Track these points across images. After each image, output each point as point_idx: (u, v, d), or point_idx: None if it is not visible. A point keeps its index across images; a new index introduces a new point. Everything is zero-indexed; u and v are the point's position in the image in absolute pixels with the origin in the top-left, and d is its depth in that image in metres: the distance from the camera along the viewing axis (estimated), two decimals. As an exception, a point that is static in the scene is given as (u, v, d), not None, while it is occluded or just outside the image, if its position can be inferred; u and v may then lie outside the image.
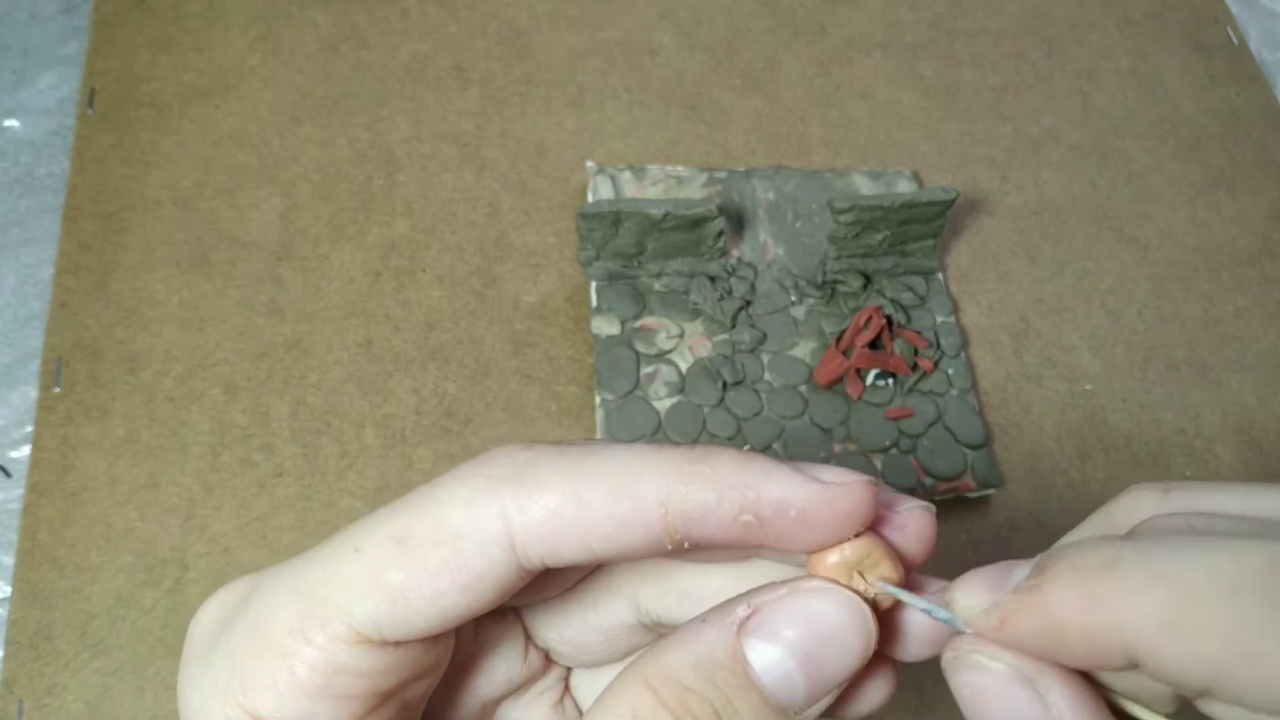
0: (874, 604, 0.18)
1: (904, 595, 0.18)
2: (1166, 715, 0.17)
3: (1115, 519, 0.19)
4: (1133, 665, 0.16)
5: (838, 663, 0.18)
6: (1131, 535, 0.17)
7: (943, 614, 0.18)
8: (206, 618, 0.19)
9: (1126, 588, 0.15)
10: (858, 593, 0.18)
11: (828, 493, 0.17)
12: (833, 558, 0.18)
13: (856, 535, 0.18)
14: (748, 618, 0.18)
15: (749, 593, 0.18)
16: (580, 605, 0.22)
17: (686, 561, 0.21)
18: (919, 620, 0.19)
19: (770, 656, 0.17)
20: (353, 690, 0.18)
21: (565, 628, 0.22)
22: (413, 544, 0.17)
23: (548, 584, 0.21)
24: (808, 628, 0.18)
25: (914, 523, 0.19)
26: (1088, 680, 0.17)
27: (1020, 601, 0.17)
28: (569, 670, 0.24)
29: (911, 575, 0.19)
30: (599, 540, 0.17)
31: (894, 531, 0.19)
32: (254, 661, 0.17)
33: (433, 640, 0.19)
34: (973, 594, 0.18)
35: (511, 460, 0.18)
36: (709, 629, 0.18)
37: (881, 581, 0.18)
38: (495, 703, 0.23)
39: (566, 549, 0.17)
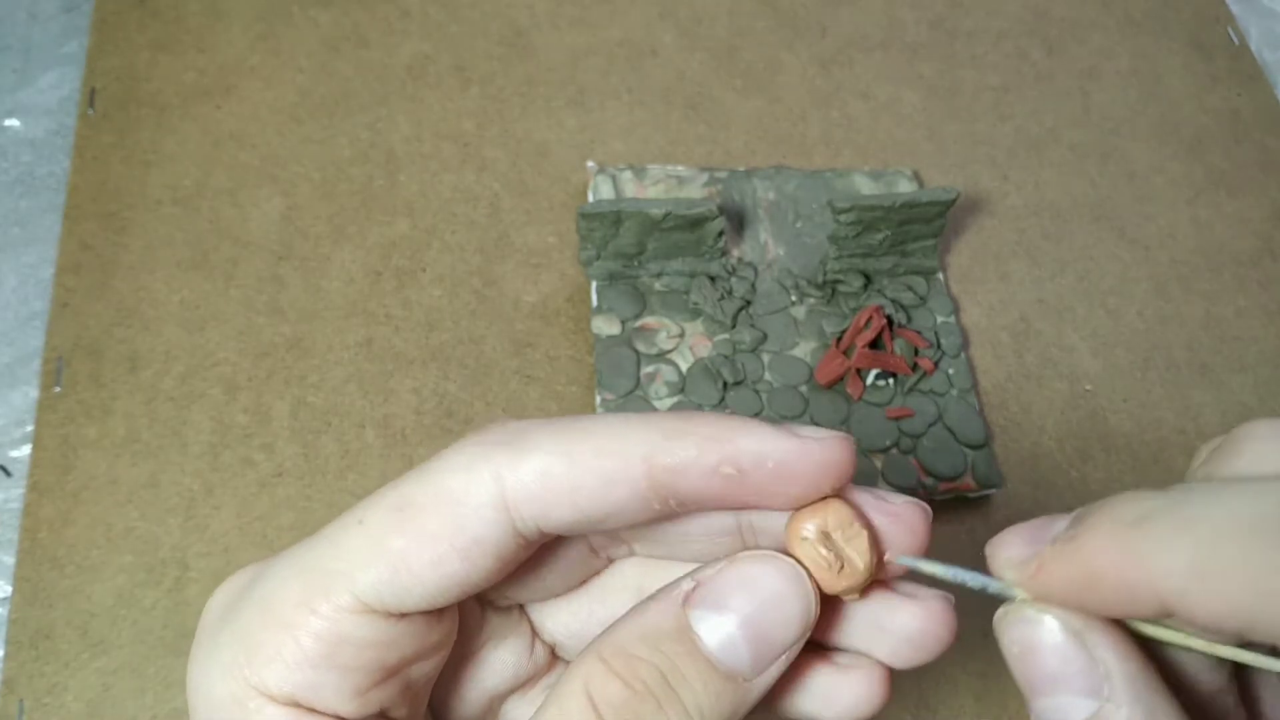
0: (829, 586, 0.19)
1: (929, 566, 0.19)
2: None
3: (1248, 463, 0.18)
4: (1166, 614, 0.16)
5: (780, 626, 0.18)
6: (1172, 487, 0.17)
7: (974, 580, 0.18)
8: (216, 602, 0.20)
9: (1157, 536, 0.16)
10: (799, 561, 0.19)
11: (804, 445, 0.18)
12: (809, 523, 0.19)
13: (835, 496, 0.19)
14: (691, 590, 0.18)
15: (694, 569, 0.19)
16: (587, 599, 0.23)
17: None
18: (909, 623, 0.20)
19: (714, 624, 0.18)
20: (356, 662, 0.18)
21: (571, 620, 0.23)
22: (412, 510, 0.18)
23: (554, 576, 0.22)
24: (747, 593, 0.18)
25: (907, 514, 0.19)
26: (1130, 634, 0.17)
27: (1057, 552, 0.17)
28: None
29: (895, 583, 0.20)
30: (587, 498, 0.18)
31: (886, 519, 0.19)
32: (261, 635, 0.18)
33: (435, 616, 0.19)
34: (1012, 548, 0.18)
35: (504, 429, 0.19)
36: (656, 604, 0.18)
37: (903, 558, 0.19)
38: (501, 697, 0.23)
39: (557, 509, 0.18)
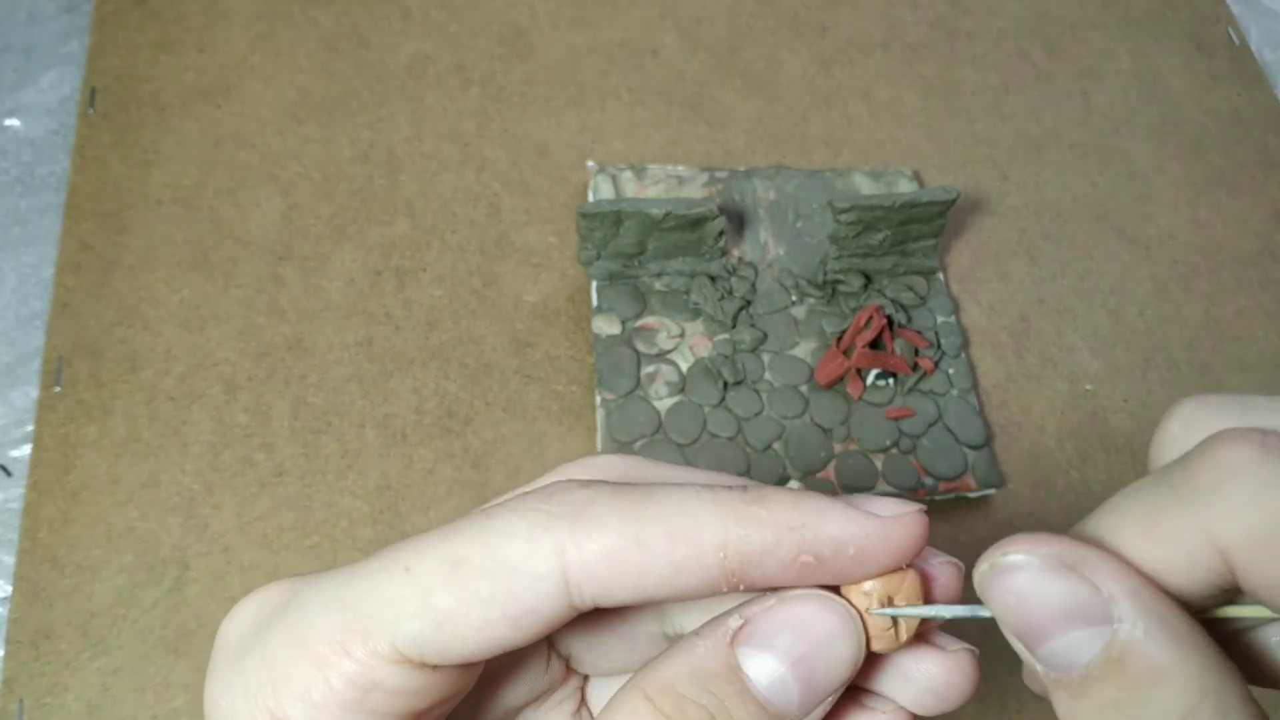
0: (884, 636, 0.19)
1: (932, 610, 0.18)
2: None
3: (1176, 439, 0.18)
4: (1223, 582, 0.16)
5: (829, 667, 0.18)
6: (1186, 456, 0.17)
7: (984, 612, 0.18)
8: (242, 618, 0.19)
9: (1225, 506, 0.15)
10: (854, 605, 0.18)
11: (883, 527, 0.18)
12: (876, 583, 0.18)
13: (911, 568, 0.18)
14: (740, 628, 0.18)
15: (740, 605, 0.18)
16: (607, 615, 0.22)
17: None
18: (935, 674, 0.19)
19: (763, 663, 0.18)
20: (385, 708, 0.18)
21: (589, 635, 0.22)
22: (466, 570, 0.17)
23: None
24: (798, 633, 0.18)
25: (944, 577, 0.19)
26: (1120, 555, 0.17)
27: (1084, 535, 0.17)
28: (585, 679, 0.24)
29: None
30: (654, 582, 0.17)
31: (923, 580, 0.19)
32: (289, 668, 0.17)
33: (469, 666, 0.19)
34: (1020, 545, 0.17)
35: (570, 498, 0.18)
36: (703, 641, 0.18)
37: (904, 603, 0.18)
38: (517, 711, 0.23)
39: (620, 589, 0.17)
